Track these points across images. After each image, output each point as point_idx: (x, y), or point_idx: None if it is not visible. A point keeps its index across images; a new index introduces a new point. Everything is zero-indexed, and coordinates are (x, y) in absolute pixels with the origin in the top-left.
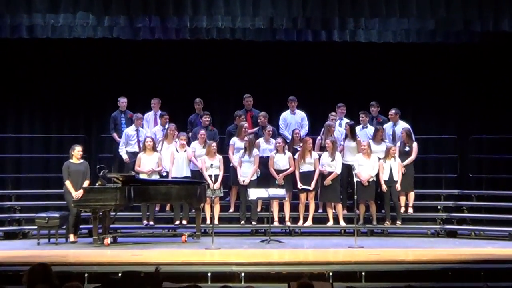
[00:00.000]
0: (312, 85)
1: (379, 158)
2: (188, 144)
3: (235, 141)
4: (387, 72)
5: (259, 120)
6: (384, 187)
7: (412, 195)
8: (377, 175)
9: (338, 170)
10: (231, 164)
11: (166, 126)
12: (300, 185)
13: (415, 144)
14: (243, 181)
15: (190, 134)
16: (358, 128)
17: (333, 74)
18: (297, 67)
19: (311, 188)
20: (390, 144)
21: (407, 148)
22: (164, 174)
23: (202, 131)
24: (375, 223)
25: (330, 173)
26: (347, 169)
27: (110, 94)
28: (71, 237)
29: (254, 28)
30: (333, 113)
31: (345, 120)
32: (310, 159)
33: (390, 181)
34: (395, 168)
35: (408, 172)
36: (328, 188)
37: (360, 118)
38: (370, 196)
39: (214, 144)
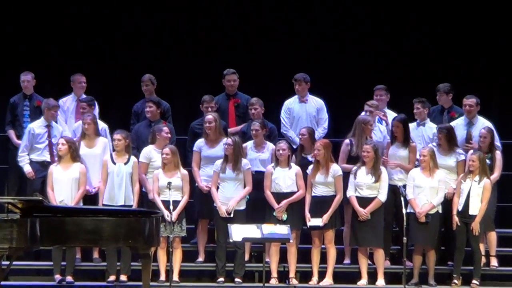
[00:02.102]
0: (334, 52)
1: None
2: (138, 149)
3: (201, 147)
4: (462, 26)
5: (251, 111)
6: (456, 223)
7: (493, 237)
8: (446, 204)
9: (383, 196)
10: (197, 185)
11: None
12: (308, 219)
13: (498, 154)
14: (226, 212)
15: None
16: (411, 126)
17: (369, 31)
18: (309, 20)
19: (320, 224)
20: (473, 154)
21: (487, 161)
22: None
23: (166, 128)
24: (433, 282)
25: (365, 200)
26: (392, 193)
27: (3, 67)
28: None
29: None
30: (371, 102)
31: (391, 114)
32: (328, 176)
33: (465, 214)
34: (476, 193)
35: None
36: (363, 224)
37: (415, 109)
38: (429, 239)
39: (167, 150)
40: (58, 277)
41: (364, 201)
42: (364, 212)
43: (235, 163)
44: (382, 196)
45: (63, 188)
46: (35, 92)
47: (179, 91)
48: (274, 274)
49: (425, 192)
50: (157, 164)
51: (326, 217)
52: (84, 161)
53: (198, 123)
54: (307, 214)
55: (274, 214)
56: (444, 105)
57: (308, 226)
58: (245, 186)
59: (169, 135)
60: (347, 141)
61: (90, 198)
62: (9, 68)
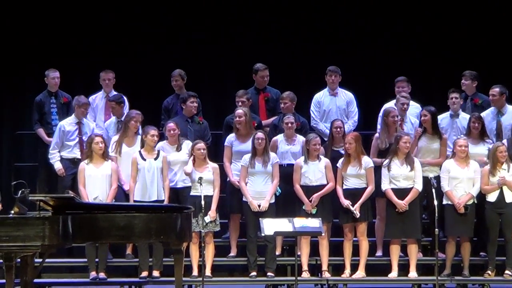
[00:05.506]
0: (364, 45)
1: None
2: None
3: (232, 141)
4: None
5: (282, 105)
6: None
7: None
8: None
9: (419, 185)
10: (228, 179)
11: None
12: (353, 209)
13: None
14: (259, 206)
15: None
16: (445, 117)
17: (399, 24)
18: (339, 13)
19: (356, 214)
20: (499, 144)
21: None
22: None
23: (171, 124)
24: (466, 273)
25: (402, 192)
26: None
27: (32, 63)
28: None
29: None
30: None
31: (414, 105)
32: (360, 168)
33: (500, 204)
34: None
35: None
36: (402, 216)
37: (452, 100)
38: (467, 230)
39: (202, 145)
40: (93, 274)
41: (402, 192)
42: (403, 204)
43: (264, 157)
44: (419, 186)
45: (98, 185)
46: (61, 89)
47: (208, 86)
48: (305, 267)
49: (463, 184)
50: (170, 158)
51: (357, 206)
52: (115, 158)
53: (232, 117)
54: (349, 206)
55: (303, 208)
56: (468, 91)
57: (357, 215)
58: (273, 180)
59: (175, 133)
60: (376, 135)
61: (119, 195)
62: (38, 67)
